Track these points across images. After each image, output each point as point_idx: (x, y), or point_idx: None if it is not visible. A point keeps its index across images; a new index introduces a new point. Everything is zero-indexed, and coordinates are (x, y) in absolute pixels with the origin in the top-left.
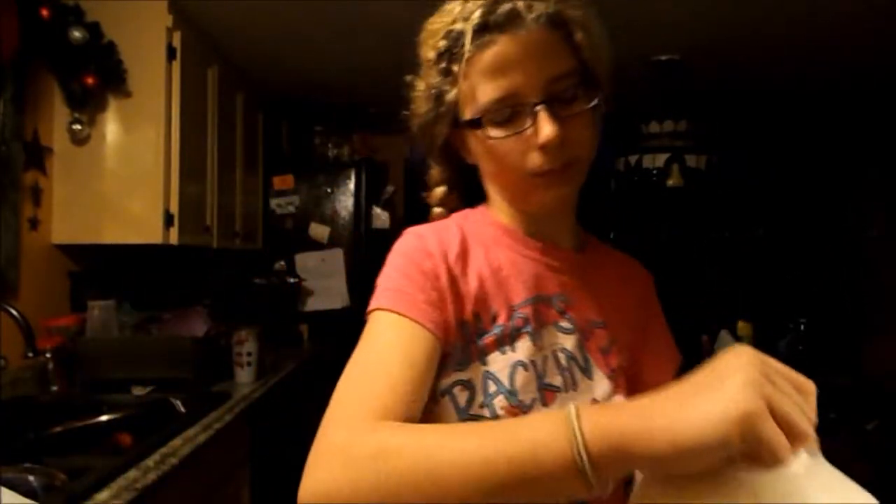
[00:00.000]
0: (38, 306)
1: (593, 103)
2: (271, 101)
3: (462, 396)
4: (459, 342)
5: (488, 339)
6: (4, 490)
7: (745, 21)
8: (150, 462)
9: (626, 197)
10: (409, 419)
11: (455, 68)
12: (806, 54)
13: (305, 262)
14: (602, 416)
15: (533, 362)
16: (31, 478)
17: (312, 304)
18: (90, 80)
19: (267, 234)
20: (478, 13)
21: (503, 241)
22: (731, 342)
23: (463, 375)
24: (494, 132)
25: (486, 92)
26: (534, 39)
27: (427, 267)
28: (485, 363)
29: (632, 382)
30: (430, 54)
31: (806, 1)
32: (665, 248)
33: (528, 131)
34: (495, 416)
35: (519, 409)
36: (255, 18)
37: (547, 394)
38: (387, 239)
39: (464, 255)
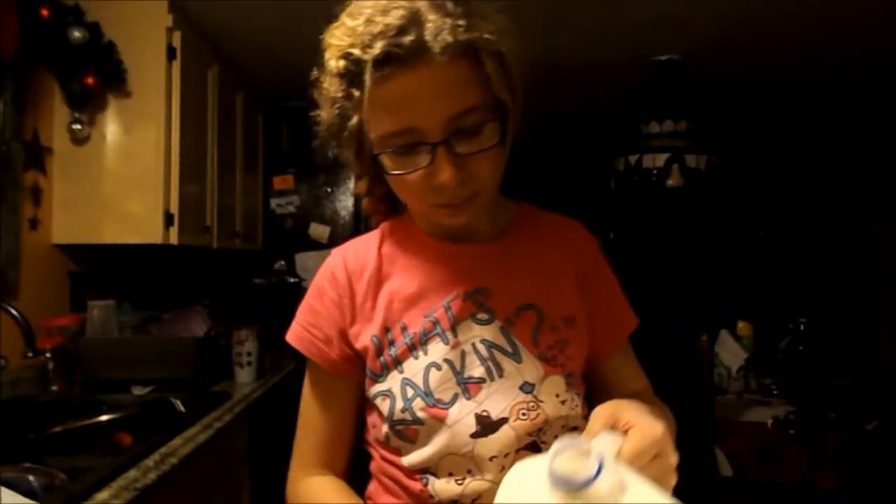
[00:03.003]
0: (38, 306)
1: (496, 142)
2: (271, 101)
3: (384, 405)
4: (374, 355)
5: (400, 348)
6: (4, 490)
7: (744, 20)
8: (150, 462)
9: (625, 197)
10: (336, 457)
11: (356, 94)
12: (806, 53)
13: (305, 262)
14: None
15: (447, 360)
16: (31, 478)
17: None
18: (90, 80)
19: (267, 234)
20: (379, 45)
21: (420, 251)
22: (731, 342)
23: (383, 386)
24: (393, 165)
25: (386, 124)
26: (438, 76)
27: (332, 297)
28: (401, 370)
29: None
30: (331, 64)
31: (806, 1)
32: (665, 249)
33: (426, 170)
34: (416, 419)
35: (438, 407)
36: (255, 18)
37: (470, 386)
38: None
39: (378, 274)
